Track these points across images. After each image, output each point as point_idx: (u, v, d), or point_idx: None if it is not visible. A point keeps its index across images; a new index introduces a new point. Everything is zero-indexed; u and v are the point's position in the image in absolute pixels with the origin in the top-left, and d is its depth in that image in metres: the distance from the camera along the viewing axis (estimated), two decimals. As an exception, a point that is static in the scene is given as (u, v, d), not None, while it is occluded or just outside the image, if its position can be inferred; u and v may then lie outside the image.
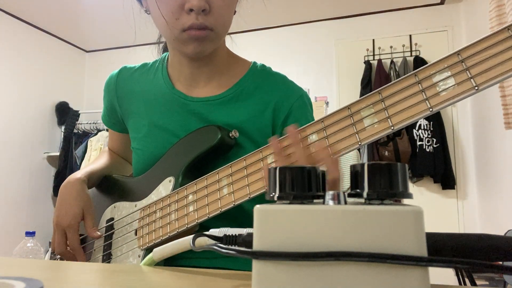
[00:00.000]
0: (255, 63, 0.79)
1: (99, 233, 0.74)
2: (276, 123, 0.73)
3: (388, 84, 0.48)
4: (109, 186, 0.83)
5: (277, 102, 0.73)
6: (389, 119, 0.47)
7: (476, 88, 0.42)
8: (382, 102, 0.48)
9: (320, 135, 0.52)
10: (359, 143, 0.49)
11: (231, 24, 0.73)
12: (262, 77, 0.76)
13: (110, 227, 0.75)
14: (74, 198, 0.72)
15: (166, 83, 0.78)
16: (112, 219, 0.76)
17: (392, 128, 0.47)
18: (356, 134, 0.49)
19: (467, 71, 0.43)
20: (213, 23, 0.65)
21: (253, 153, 0.57)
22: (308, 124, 0.53)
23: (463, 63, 0.43)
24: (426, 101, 0.45)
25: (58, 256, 0.73)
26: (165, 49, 0.88)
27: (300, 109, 0.75)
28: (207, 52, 0.69)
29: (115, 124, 0.88)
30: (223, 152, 0.70)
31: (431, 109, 0.44)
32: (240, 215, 0.65)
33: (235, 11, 0.76)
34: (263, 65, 0.79)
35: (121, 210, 0.75)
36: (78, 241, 0.71)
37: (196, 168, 0.69)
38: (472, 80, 0.42)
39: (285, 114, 0.73)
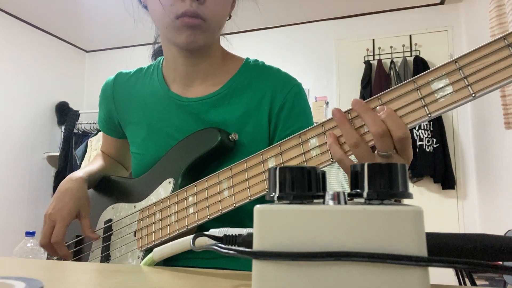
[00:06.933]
0: (247, 59, 0.80)
1: (97, 234, 0.74)
2: (272, 114, 0.74)
3: (387, 90, 0.49)
4: (107, 187, 0.82)
5: (272, 92, 0.74)
6: None
7: (473, 95, 0.43)
8: None
9: (321, 139, 0.52)
10: None
11: (225, 23, 0.74)
12: (255, 72, 0.77)
13: (108, 228, 0.75)
14: (73, 195, 0.72)
15: (161, 85, 0.78)
16: (110, 220, 0.75)
17: None
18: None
19: (465, 79, 0.44)
20: (206, 14, 0.67)
21: (253, 156, 0.58)
22: (308, 128, 0.54)
23: (460, 71, 0.44)
24: (425, 107, 0.46)
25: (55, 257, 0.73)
26: (155, 55, 0.89)
27: (295, 97, 0.75)
28: (199, 43, 0.70)
29: (112, 130, 0.88)
30: (223, 154, 0.70)
31: (429, 115, 0.46)
32: (239, 215, 0.65)
33: (230, 16, 0.76)
34: (256, 60, 0.80)
35: (119, 211, 0.75)
36: (63, 235, 0.70)
37: (196, 170, 0.69)
38: (469, 87, 0.44)
39: (280, 103, 0.73)
